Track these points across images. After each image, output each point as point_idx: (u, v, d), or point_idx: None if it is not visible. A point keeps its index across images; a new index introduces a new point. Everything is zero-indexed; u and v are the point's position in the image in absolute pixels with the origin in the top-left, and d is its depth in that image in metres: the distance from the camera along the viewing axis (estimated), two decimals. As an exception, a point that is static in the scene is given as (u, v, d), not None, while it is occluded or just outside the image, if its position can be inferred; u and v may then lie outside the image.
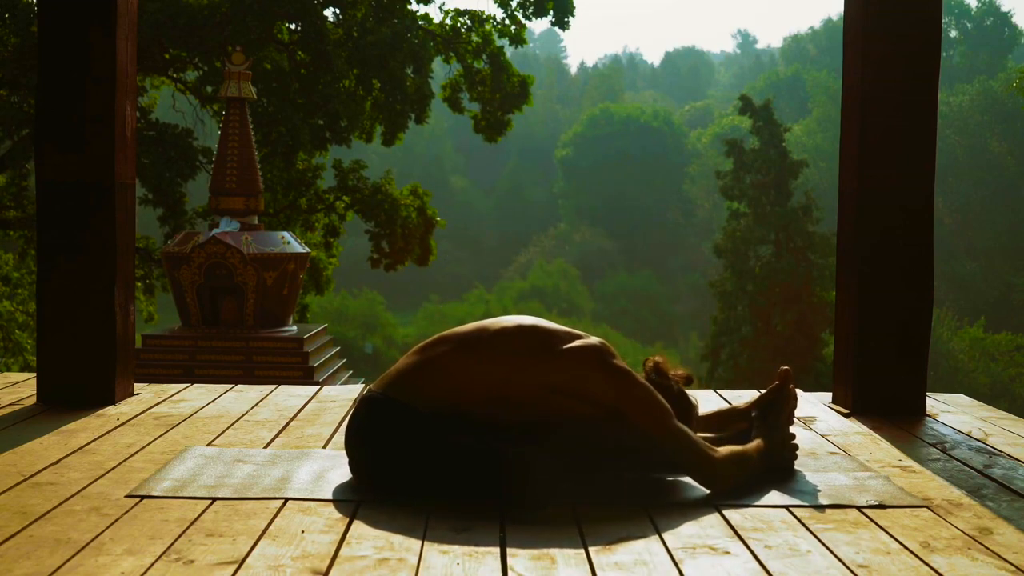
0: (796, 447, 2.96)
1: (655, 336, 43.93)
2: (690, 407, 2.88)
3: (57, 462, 2.97)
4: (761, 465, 2.84)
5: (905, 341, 3.88)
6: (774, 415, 2.96)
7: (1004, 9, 71.73)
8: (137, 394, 4.07)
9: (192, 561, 2.13)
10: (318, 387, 4.35)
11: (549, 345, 2.73)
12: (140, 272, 15.92)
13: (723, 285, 25.99)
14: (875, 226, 3.88)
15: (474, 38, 16.83)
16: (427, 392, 2.67)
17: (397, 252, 16.65)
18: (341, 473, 2.83)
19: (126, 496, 2.61)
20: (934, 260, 3.90)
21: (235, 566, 2.10)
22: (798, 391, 4.02)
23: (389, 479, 2.66)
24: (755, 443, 2.87)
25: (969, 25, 58.62)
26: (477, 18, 16.86)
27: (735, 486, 2.71)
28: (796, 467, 2.95)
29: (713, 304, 27.23)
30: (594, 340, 2.78)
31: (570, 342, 2.74)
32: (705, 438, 2.90)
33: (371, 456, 2.69)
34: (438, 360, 2.72)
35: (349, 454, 2.77)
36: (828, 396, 4.13)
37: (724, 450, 2.76)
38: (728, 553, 2.23)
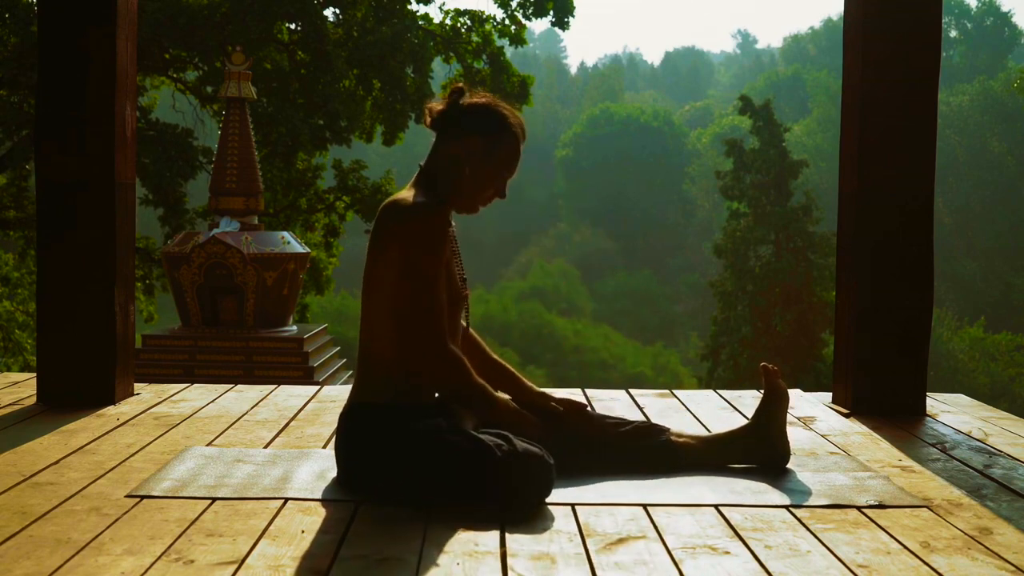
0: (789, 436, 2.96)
1: (655, 336, 43.87)
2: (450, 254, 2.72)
3: (57, 462, 2.97)
4: (508, 419, 2.71)
5: (905, 341, 3.88)
6: (768, 416, 2.95)
7: (1004, 9, 71.71)
8: (137, 394, 4.07)
9: (192, 561, 2.13)
10: (318, 387, 4.35)
11: (385, 233, 2.62)
12: (140, 272, 15.91)
13: (723, 285, 25.98)
14: (875, 226, 3.88)
15: (474, 38, 16.82)
16: (376, 374, 2.65)
17: (397, 252, 16.61)
18: (341, 473, 2.83)
19: (126, 496, 2.61)
20: (934, 260, 3.91)
21: (235, 566, 2.10)
22: (798, 391, 4.01)
23: (383, 480, 2.62)
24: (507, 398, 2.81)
25: (969, 25, 58.62)
26: (477, 18, 16.84)
27: (463, 397, 2.66)
28: (796, 467, 2.95)
29: (713, 304, 27.21)
30: (416, 217, 2.60)
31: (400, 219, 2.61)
32: (708, 447, 2.92)
33: (362, 464, 2.66)
34: (363, 341, 2.68)
35: (343, 474, 2.74)
36: (828, 396, 4.13)
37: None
38: (728, 553, 2.23)
